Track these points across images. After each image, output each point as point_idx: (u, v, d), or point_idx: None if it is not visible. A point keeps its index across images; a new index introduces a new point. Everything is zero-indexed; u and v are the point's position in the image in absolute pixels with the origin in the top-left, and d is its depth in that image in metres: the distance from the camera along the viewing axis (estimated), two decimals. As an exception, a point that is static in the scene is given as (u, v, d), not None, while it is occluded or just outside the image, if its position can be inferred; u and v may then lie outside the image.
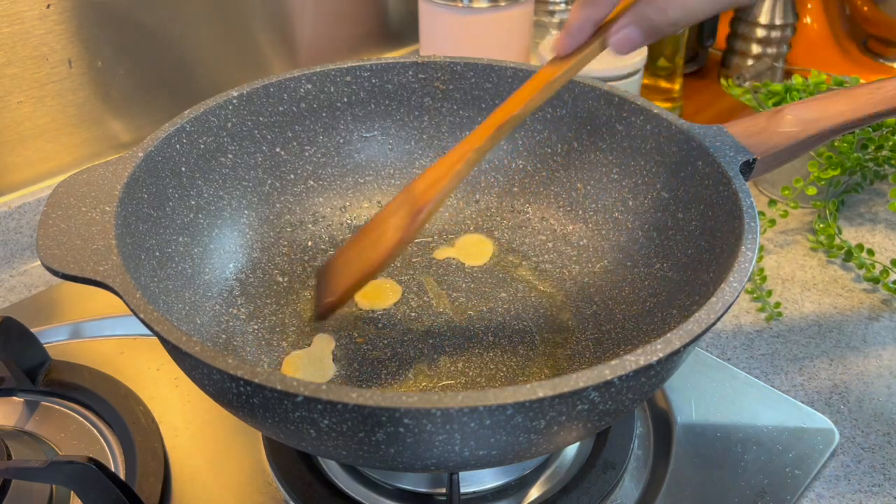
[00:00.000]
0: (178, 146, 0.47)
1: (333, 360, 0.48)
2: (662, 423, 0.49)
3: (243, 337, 0.48)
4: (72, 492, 0.44)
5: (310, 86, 0.54)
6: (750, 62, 0.85)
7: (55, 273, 0.37)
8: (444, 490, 0.44)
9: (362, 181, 0.58)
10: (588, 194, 0.54)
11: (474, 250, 0.55)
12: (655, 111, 0.49)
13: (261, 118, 0.52)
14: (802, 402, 0.51)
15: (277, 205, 0.55)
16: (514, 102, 0.40)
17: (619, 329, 0.48)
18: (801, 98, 0.65)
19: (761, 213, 0.65)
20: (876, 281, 0.61)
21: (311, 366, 0.47)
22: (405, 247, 0.42)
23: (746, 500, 0.44)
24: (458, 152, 0.41)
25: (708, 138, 0.45)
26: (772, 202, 0.68)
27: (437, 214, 0.58)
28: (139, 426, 0.47)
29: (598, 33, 0.37)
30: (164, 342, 0.34)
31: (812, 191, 0.64)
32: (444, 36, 0.74)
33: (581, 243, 0.54)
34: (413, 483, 0.45)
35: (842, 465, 0.47)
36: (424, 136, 0.58)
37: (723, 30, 0.89)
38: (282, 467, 0.45)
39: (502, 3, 0.71)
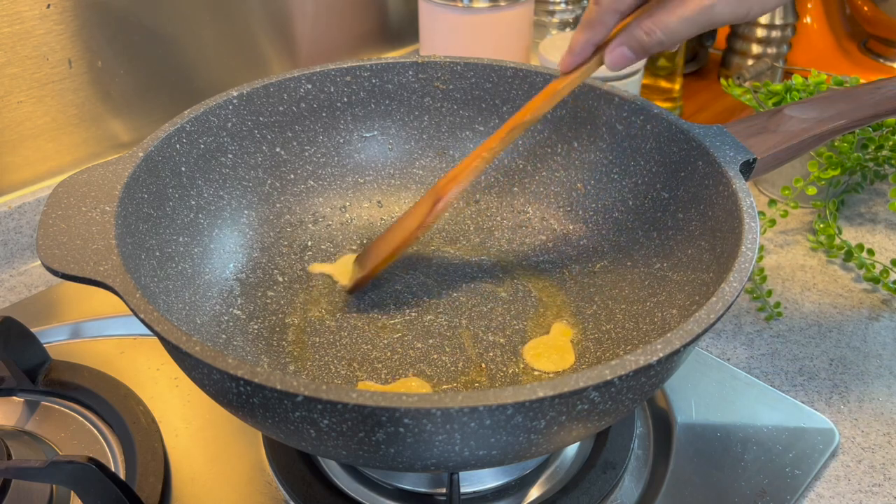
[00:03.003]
0: (178, 146, 0.47)
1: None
2: (662, 423, 0.49)
3: (243, 337, 0.48)
4: (72, 492, 0.44)
5: (310, 86, 0.54)
6: (750, 62, 0.85)
7: (55, 273, 0.37)
8: (444, 490, 0.44)
9: (362, 181, 0.58)
10: (588, 194, 0.54)
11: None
12: (655, 111, 0.49)
13: (261, 118, 0.52)
14: (802, 402, 0.51)
15: (277, 205, 0.55)
16: (526, 110, 0.46)
17: (619, 329, 0.48)
18: (801, 98, 0.65)
19: (761, 213, 0.65)
20: (876, 281, 0.61)
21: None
22: (425, 231, 0.49)
23: (746, 500, 0.44)
24: (474, 153, 0.47)
25: (708, 138, 0.45)
26: (772, 202, 0.68)
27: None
28: (139, 426, 0.47)
29: (597, 52, 0.44)
30: (164, 342, 0.34)
31: (812, 191, 0.64)
32: (444, 36, 0.74)
33: (581, 243, 0.54)
34: (413, 483, 0.45)
35: (842, 465, 0.47)
36: (424, 136, 0.58)
37: (723, 30, 0.89)
38: (282, 467, 0.45)
39: (502, 3, 0.71)
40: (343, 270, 0.54)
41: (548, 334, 0.49)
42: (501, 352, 0.48)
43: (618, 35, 0.42)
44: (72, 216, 0.40)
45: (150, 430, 0.47)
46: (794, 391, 0.52)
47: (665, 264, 0.48)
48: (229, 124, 0.51)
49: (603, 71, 0.68)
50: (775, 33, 0.83)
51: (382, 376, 0.47)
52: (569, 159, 0.55)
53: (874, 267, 0.62)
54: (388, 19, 0.86)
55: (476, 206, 0.58)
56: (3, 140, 0.63)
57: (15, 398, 0.50)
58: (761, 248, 0.65)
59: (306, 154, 0.55)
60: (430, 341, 0.49)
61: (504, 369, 0.47)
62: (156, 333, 0.33)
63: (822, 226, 0.65)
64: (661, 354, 0.32)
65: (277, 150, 0.54)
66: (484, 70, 0.55)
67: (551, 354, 0.48)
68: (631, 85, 0.70)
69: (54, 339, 0.55)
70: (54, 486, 0.43)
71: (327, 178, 0.57)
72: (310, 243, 0.55)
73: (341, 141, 0.56)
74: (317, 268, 0.54)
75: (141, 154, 0.44)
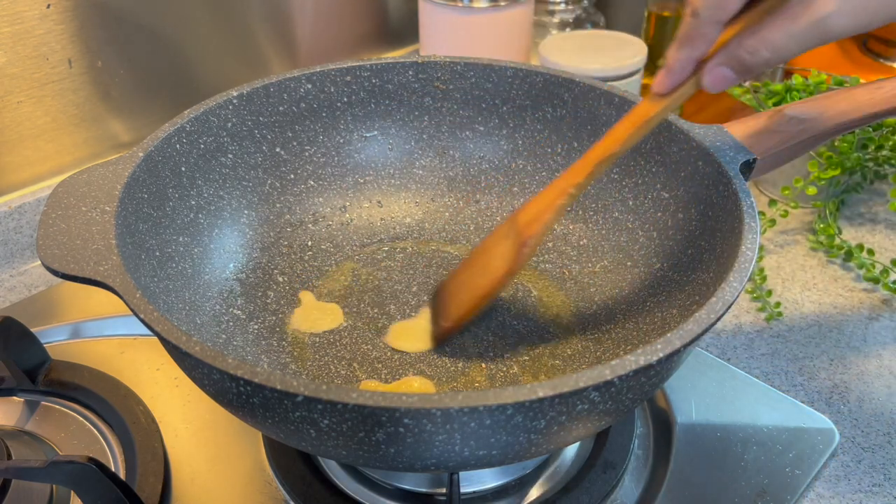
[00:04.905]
0: (178, 146, 0.47)
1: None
2: (662, 423, 0.49)
3: (243, 337, 0.48)
4: (72, 492, 0.44)
5: (310, 86, 0.54)
6: (750, 62, 0.85)
7: (55, 273, 0.37)
8: (444, 490, 0.44)
9: (362, 181, 0.58)
10: (588, 194, 0.54)
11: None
12: (655, 111, 0.49)
13: (261, 118, 0.52)
14: (802, 402, 0.51)
15: (277, 205, 0.55)
16: (612, 139, 0.41)
17: (619, 329, 0.48)
18: (801, 98, 0.65)
19: (761, 213, 0.65)
20: (876, 281, 0.61)
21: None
22: (512, 278, 0.45)
23: (746, 500, 0.44)
24: (558, 187, 0.43)
25: (708, 138, 0.45)
26: (772, 202, 0.68)
27: (437, 215, 0.58)
28: (139, 426, 0.47)
29: (696, 71, 0.38)
30: (164, 342, 0.34)
31: (812, 191, 0.64)
32: (444, 36, 0.74)
33: (581, 243, 0.54)
34: (413, 483, 0.45)
35: (842, 465, 0.47)
36: (424, 136, 0.58)
37: (723, 30, 0.89)
38: (282, 467, 0.45)
39: (502, 3, 0.71)
40: (320, 316, 0.51)
41: None
42: (501, 352, 0.48)
43: (717, 53, 0.37)
44: (72, 216, 0.40)
45: (150, 430, 0.47)
46: (794, 391, 0.52)
47: (665, 264, 0.48)
48: (229, 124, 0.51)
49: (603, 71, 0.68)
50: (775, 33, 0.83)
51: (383, 376, 0.47)
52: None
53: (874, 267, 0.62)
54: (388, 19, 0.86)
55: (476, 206, 0.58)
56: (3, 140, 0.63)
57: (15, 398, 0.50)
58: (761, 248, 0.65)
59: (306, 154, 0.55)
60: (430, 341, 0.49)
61: (504, 369, 0.47)
62: (156, 333, 0.33)
63: (822, 226, 0.65)
64: (661, 354, 0.32)
65: (277, 150, 0.54)
66: (484, 70, 0.55)
67: None
68: (631, 85, 0.70)
69: (54, 339, 0.55)
70: (54, 486, 0.43)
71: (327, 178, 0.57)
72: (310, 243, 0.55)
73: (341, 141, 0.56)
74: (306, 296, 0.52)
75: (141, 154, 0.44)
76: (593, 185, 0.54)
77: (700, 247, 0.45)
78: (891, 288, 0.60)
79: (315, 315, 0.51)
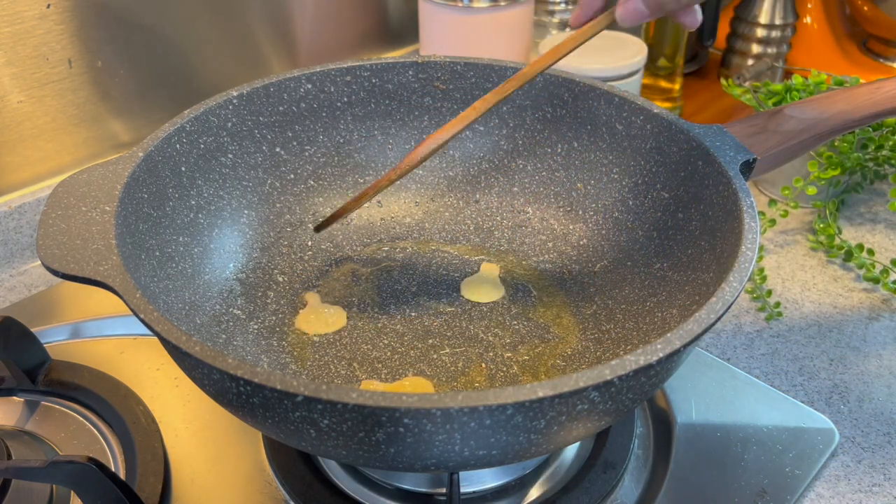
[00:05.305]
0: (178, 146, 0.47)
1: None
2: (662, 423, 0.49)
3: (243, 337, 0.48)
4: (72, 492, 0.44)
5: (310, 86, 0.54)
6: (750, 62, 0.85)
7: (55, 273, 0.37)
8: (444, 490, 0.44)
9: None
10: (588, 194, 0.54)
11: None
12: (655, 111, 0.49)
13: (261, 118, 0.52)
14: (802, 402, 0.51)
15: (277, 205, 0.55)
16: (526, 68, 0.46)
17: (619, 329, 0.48)
18: (801, 98, 0.65)
19: (761, 213, 0.65)
20: (876, 281, 0.61)
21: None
22: (401, 173, 0.46)
23: (746, 500, 0.44)
24: (470, 107, 0.46)
25: (708, 138, 0.45)
26: (772, 202, 0.68)
27: (437, 215, 0.58)
28: (139, 426, 0.47)
29: (609, 5, 0.42)
30: (164, 342, 0.34)
31: (812, 191, 0.64)
32: (444, 36, 0.74)
33: (581, 243, 0.54)
34: (413, 483, 0.45)
35: (842, 465, 0.47)
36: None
37: (723, 30, 0.89)
38: (282, 467, 0.45)
39: (502, 3, 0.71)
40: (325, 318, 0.51)
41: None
42: (501, 352, 0.48)
43: None
44: (72, 216, 0.40)
45: (150, 430, 0.47)
46: (794, 391, 0.52)
47: (665, 264, 0.48)
48: (229, 124, 0.51)
49: (603, 71, 0.68)
50: (775, 33, 0.83)
51: (382, 376, 0.47)
52: (569, 159, 0.55)
53: (874, 267, 0.62)
54: (388, 19, 0.86)
55: (476, 206, 0.58)
56: (3, 140, 0.63)
57: (15, 398, 0.50)
58: (761, 248, 0.65)
59: (306, 154, 0.55)
60: (430, 341, 0.49)
61: (504, 369, 0.47)
62: (156, 333, 0.33)
63: (822, 226, 0.65)
64: (661, 354, 0.32)
65: (277, 150, 0.54)
66: (484, 70, 0.55)
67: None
68: (631, 85, 0.70)
69: (54, 339, 0.55)
70: (54, 486, 0.43)
71: (327, 178, 0.57)
72: (310, 243, 0.55)
73: (341, 141, 0.56)
74: (311, 298, 0.52)
75: (141, 154, 0.44)
76: (593, 185, 0.54)
77: (700, 247, 0.45)
78: (891, 288, 0.60)
79: (320, 317, 0.51)
